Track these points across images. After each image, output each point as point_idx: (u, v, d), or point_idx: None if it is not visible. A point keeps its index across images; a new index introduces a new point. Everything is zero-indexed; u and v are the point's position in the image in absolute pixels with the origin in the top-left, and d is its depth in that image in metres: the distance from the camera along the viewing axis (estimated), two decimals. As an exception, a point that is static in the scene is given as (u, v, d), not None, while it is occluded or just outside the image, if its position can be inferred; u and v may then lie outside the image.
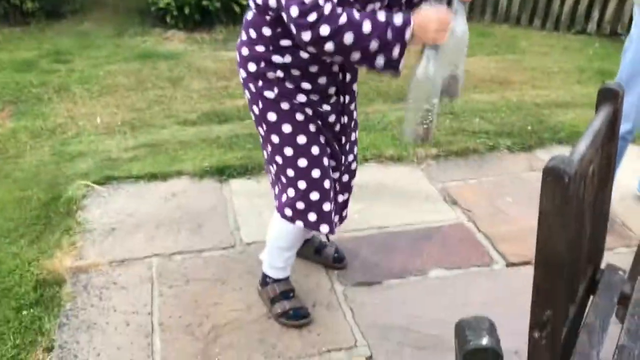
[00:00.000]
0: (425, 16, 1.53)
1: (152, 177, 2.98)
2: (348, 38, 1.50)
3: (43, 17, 5.76)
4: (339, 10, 1.51)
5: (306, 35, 1.51)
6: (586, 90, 4.23)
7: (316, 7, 1.48)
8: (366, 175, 2.98)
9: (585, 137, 1.26)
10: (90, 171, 3.04)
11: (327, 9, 1.49)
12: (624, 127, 2.20)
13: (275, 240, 2.04)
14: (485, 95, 4.11)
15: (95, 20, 5.99)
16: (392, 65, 1.56)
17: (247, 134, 3.49)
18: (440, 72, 1.62)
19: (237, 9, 5.47)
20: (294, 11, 1.50)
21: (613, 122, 1.45)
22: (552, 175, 1.08)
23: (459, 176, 3.08)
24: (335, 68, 1.79)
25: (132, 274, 2.32)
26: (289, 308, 2.07)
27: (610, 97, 1.43)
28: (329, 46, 1.51)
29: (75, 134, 3.58)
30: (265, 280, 2.14)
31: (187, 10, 5.41)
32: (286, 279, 2.13)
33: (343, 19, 1.49)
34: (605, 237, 1.69)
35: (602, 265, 1.69)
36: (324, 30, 1.49)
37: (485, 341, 1.07)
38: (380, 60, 1.55)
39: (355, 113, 2.00)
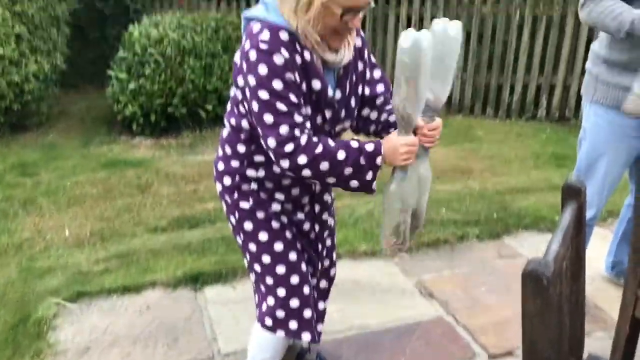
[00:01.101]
0: (393, 141, 1.65)
1: (125, 290, 2.93)
2: (324, 166, 1.60)
3: (8, 131, 5.77)
4: (315, 139, 1.60)
5: (284, 163, 1.61)
6: (543, 175, 4.42)
7: (292, 138, 1.57)
8: (341, 272, 2.96)
9: (556, 236, 1.33)
10: (60, 287, 2.97)
11: (304, 139, 1.59)
12: (587, 213, 2.30)
13: (258, 352, 2.01)
14: (449, 185, 4.25)
15: (62, 131, 6.04)
16: (366, 187, 1.67)
17: (219, 238, 3.49)
18: (410, 195, 1.71)
19: (203, 114, 5.61)
20: (272, 142, 1.59)
21: (579, 217, 1.53)
22: (531, 279, 1.12)
23: (432, 268, 3.12)
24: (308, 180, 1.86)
25: (108, 396, 2.22)
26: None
27: (574, 193, 1.51)
28: (306, 172, 1.61)
29: (44, 248, 3.52)
30: (248, 392, 2.08)
31: (153, 118, 5.52)
32: (270, 390, 2.08)
33: (319, 149, 1.59)
34: (584, 327, 1.73)
35: (585, 355, 1.71)
36: (301, 159, 1.59)
37: None
38: (354, 183, 1.66)
39: (330, 220, 2.04)
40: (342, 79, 1.75)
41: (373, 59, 1.91)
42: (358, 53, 1.80)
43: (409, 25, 6.56)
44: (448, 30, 1.61)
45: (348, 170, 1.63)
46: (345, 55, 1.71)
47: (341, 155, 1.61)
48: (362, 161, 1.62)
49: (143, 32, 5.58)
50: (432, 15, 6.42)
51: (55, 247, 3.51)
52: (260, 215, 1.84)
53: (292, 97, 1.58)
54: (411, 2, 6.57)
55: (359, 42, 1.81)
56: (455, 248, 3.34)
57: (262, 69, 1.56)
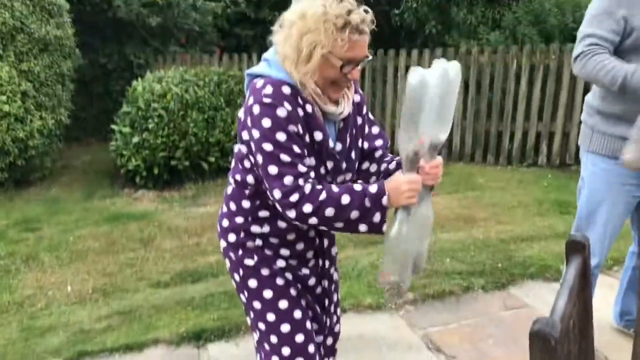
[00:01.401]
0: (397, 181, 1.64)
1: (127, 348, 2.88)
2: (329, 212, 1.60)
3: (12, 186, 5.82)
4: (319, 187, 1.61)
5: (291, 214, 1.61)
6: (547, 222, 4.41)
7: (297, 188, 1.59)
8: (346, 327, 2.92)
9: (562, 293, 1.32)
10: (62, 347, 2.93)
11: (308, 188, 1.60)
12: (591, 262, 2.28)
13: (262, 414, 1.96)
14: (453, 234, 4.23)
15: (64, 185, 6.08)
16: (375, 229, 1.64)
17: (222, 292, 3.46)
18: (412, 236, 1.69)
19: (205, 166, 5.66)
20: (277, 193, 1.60)
21: (584, 271, 1.52)
22: (538, 339, 1.11)
23: (438, 321, 3.07)
24: (312, 234, 1.86)
25: None
26: None
27: (577, 248, 1.51)
28: (313, 220, 1.61)
29: (45, 305, 3.49)
30: None
31: (156, 171, 5.56)
32: None
33: (323, 196, 1.60)
34: (595, 384, 1.69)
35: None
36: (307, 208, 1.59)
37: None
38: (363, 227, 1.63)
39: (336, 275, 2.03)
40: (343, 131, 1.78)
41: (371, 116, 1.95)
42: (357, 108, 1.84)
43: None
44: (448, 71, 1.65)
45: (354, 214, 1.61)
46: (345, 108, 1.75)
47: (345, 199, 1.61)
48: (368, 203, 1.61)
49: (147, 87, 5.69)
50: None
51: (57, 304, 3.48)
52: (264, 272, 1.83)
53: (296, 148, 1.61)
54: (409, 53, 6.70)
55: (357, 98, 1.85)
56: (461, 299, 3.30)
57: (266, 122, 1.59)
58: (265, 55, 1.75)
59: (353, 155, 1.81)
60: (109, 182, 6.06)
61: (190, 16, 7.83)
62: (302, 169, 1.61)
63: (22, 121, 5.59)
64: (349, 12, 1.56)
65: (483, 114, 6.41)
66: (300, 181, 1.59)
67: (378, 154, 1.91)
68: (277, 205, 1.63)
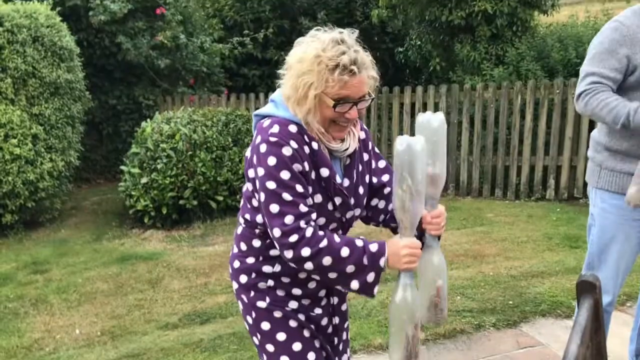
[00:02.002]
0: (396, 245, 1.64)
1: (136, 392, 2.86)
2: (326, 260, 1.61)
3: (21, 228, 5.85)
4: (321, 233, 1.63)
5: (288, 254, 1.62)
6: (557, 257, 4.37)
7: (297, 229, 1.60)
8: (357, 368, 2.91)
9: (574, 337, 1.30)
10: (69, 392, 2.91)
11: (309, 232, 1.61)
12: (604, 299, 2.26)
13: None
14: (462, 271, 4.20)
15: (74, 226, 6.11)
16: (367, 289, 1.65)
17: (231, 334, 3.44)
18: (420, 300, 1.68)
19: (213, 204, 5.68)
20: (277, 232, 1.62)
21: (596, 313, 1.50)
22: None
23: (450, 361, 3.03)
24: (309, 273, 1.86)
25: None
26: None
27: (588, 289, 1.49)
28: (309, 265, 1.62)
29: (53, 349, 3.47)
30: None
31: (164, 210, 5.58)
32: None
33: (323, 243, 1.61)
34: None
35: None
36: (305, 251, 1.60)
37: None
38: (355, 284, 1.64)
39: (344, 306, 2.02)
40: (349, 168, 1.80)
41: (377, 150, 1.98)
42: (363, 144, 1.87)
43: (412, 112, 6.73)
44: (431, 122, 1.69)
45: (350, 269, 1.62)
46: (351, 144, 1.77)
47: (345, 252, 1.62)
48: (365, 261, 1.62)
49: (155, 127, 5.76)
50: (434, 102, 6.59)
51: (65, 348, 3.46)
52: (277, 314, 1.82)
53: (299, 188, 1.63)
54: (414, 90, 6.77)
55: (362, 135, 1.88)
56: (473, 338, 3.26)
57: (271, 160, 1.63)
58: (272, 96, 1.80)
59: (361, 190, 1.83)
60: (118, 223, 6.09)
61: (198, 58, 7.97)
62: (303, 209, 1.62)
63: (32, 163, 5.65)
64: (342, 53, 1.60)
65: (489, 149, 6.43)
66: (302, 223, 1.61)
67: (387, 190, 1.92)
68: (276, 244, 1.64)
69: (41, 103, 5.84)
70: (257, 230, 1.80)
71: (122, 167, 5.91)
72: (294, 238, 1.60)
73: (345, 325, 2.02)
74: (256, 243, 1.81)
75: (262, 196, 1.64)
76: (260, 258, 1.81)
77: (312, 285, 1.84)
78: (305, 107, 1.64)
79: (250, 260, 1.83)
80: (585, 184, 5.89)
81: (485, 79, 6.73)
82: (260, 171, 1.64)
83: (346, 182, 1.79)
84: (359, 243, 1.65)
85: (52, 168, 5.82)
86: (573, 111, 5.95)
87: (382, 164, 1.96)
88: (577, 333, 1.32)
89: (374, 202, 1.93)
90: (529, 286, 3.81)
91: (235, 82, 9.21)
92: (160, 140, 5.61)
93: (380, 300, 3.71)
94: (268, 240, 1.78)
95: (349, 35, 1.66)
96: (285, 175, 1.62)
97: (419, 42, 8.18)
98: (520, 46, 6.75)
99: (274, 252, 1.79)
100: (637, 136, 2.31)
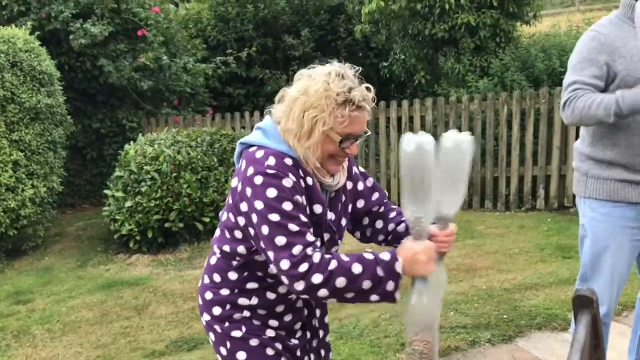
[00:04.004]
0: (412, 249, 1.58)
1: None
2: (340, 282, 1.53)
3: (3, 256, 5.71)
4: (328, 256, 1.55)
5: (299, 286, 1.53)
6: (550, 268, 4.31)
7: (305, 257, 1.53)
8: (350, 392, 2.81)
9: (574, 356, 1.23)
10: None
11: (317, 257, 1.53)
12: (600, 310, 2.19)
13: None
14: (455, 285, 4.12)
15: (58, 253, 5.97)
16: (388, 297, 1.58)
17: (220, 360, 3.33)
18: (433, 304, 1.64)
19: (200, 226, 5.57)
20: (285, 264, 1.53)
21: (595, 328, 1.43)
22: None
23: (446, 380, 2.94)
24: (300, 304, 1.80)
25: None
26: None
27: (585, 304, 1.43)
28: (323, 292, 1.54)
29: (35, 383, 3.35)
30: None
31: (150, 234, 5.47)
32: None
33: (333, 265, 1.53)
34: None
35: None
36: (317, 279, 1.52)
37: None
38: (374, 297, 1.57)
39: (326, 344, 1.93)
40: (334, 200, 1.75)
41: (361, 169, 1.92)
42: (347, 172, 1.81)
43: (399, 126, 6.70)
44: (461, 145, 1.63)
45: (367, 284, 1.54)
46: (341, 179, 1.74)
47: (357, 268, 1.54)
48: (380, 272, 1.55)
49: (139, 150, 5.67)
50: (421, 115, 6.57)
51: (48, 381, 3.34)
52: (253, 342, 1.74)
53: (303, 218, 1.57)
54: (400, 104, 6.74)
55: (346, 163, 1.81)
56: (468, 355, 3.17)
57: (271, 192, 1.55)
58: (260, 124, 1.73)
59: (343, 222, 1.79)
60: (103, 248, 5.96)
61: (181, 78, 7.91)
62: (310, 238, 1.56)
63: (13, 191, 5.53)
64: (350, 89, 1.57)
65: (478, 160, 6.39)
66: (309, 250, 1.54)
67: (382, 209, 1.88)
68: (284, 278, 1.55)
69: (21, 129, 5.73)
70: (234, 263, 1.72)
71: (106, 191, 5.80)
72: (304, 267, 1.52)
73: (330, 356, 1.95)
74: (232, 275, 1.74)
75: (265, 229, 1.55)
76: (236, 290, 1.74)
77: (287, 318, 1.78)
78: (308, 142, 1.59)
79: (225, 292, 1.75)
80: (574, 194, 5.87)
81: (470, 91, 6.71)
82: (259, 204, 1.56)
83: (331, 216, 1.73)
84: (369, 256, 1.58)
85: (34, 194, 5.70)
86: (560, 120, 5.93)
87: (369, 182, 1.90)
88: (576, 352, 1.25)
89: (366, 221, 1.89)
90: (523, 299, 3.74)
91: (220, 101, 9.15)
92: (144, 162, 5.51)
93: (373, 319, 3.62)
94: (245, 273, 1.71)
95: (350, 68, 1.62)
96: (287, 206, 1.55)
97: (403, 57, 8.18)
98: (504, 57, 6.76)
99: (251, 285, 1.72)
100: (619, 146, 2.30)
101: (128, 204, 5.43)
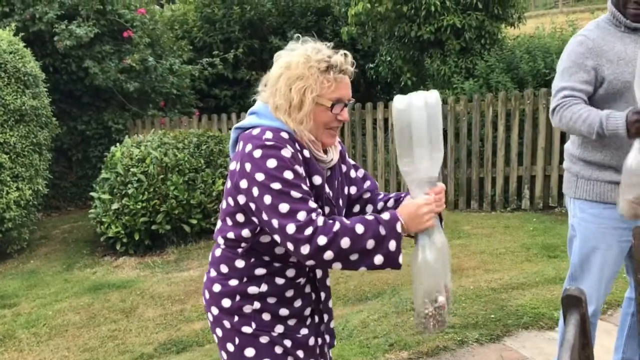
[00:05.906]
0: (413, 205, 1.63)
1: None
2: (345, 242, 1.55)
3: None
4: (330, 220, 1.58)
5: (305, 249, 1.55)
6: (536, 267, 4.35)
7: (311, 221, 1.55)
8: (340, 393, 2.82)
9: (564, 355, 1.25)
10: None
11: (320, 221, 1.56)
12: (588, 310, 2.22)
13: None
14: (443, 285, 4.14)
15: (43, 256, 5.92)
16: (392, 261, 1.60)
17: (209, 362, 3.32)
18: (439, 260, 1.64)
19: (187, 228, 5.56)
20: (291, 228, 1.55)
21: (583, 327, 1.45)
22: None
23: (435, 379, 2.96)
24: (308, 289, 1.81)
25: None
26: None
27: (574, 303, 1.45)
28: (328, 254, 1.55)
29: (22, 387, 3.32)
30: None
31: (137, 236, 5.44)
32: None
33: (337, 226, 1.56)
34: None
35: None
36: (322, 240, 1.54)
37: None
38: (378, 259, 1.59)
39: (332, 324, 1.95)
40: (330, 179, 1.78)
41: (353, 161, 1.97)
42: (340, 156, 1.85)
43: (385, 127, 6.72)
44: (428, 100, 1.65)
45: (370, 244, 1.57)
46: (334, 156, 1.77)
47: (359, 228, 1.57)
48: (382, 231, 1.58)
49: (125, 152, 5.64)
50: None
51: (35, 386, 3.31)
52: (263, 340, 1.74)
53: (304, 186, 1.60)
54: (387, 105, 6.77)
55: (339, 147, 1.86)
56: (456, 354, 3.20)
57: (271, 163, 1.58)
58: (252, 109, 1.76)
59: (341, 202, 1.82)
60: (90, 251, 5.92)
61: (167, 80, 7.87)
62: (312, 204, 1.59)
63: (-3, 193, 5.48)
64: (329, 56, 1.66)
65: (463, 161, 6.44)
66: (313, 215, 1.57)
67: (368, 195, 1.92)
68: (290, 245, 1.57)
69: (5, 131, 5.68)
70: (240, 250, 1.72)
71: (92, 194, 5.76)
72: (309, 231, 1.54)
73: (332, 342, 1.96)
74: (239, 263, 1.74)
75: (268, 199, 1.57)
76: (245, 279, 1.74)
77: (298, 303, 1.78)
78: (299, 114, 1.63)
79: (234, 282, 1.75)
80: (560, 193, 5.94)
81: (456, 92, 6.76)
82: (260, 176, 1.58)
83: (329, 192, 1.76)
84: (370, 217, 1.62)
85: (19, 197, 5.64)
86: (545, 121, 6.00)
87: (360, 173, 1.96)
88: (566, 351, 1.27)
89: (357, 209, 1.92)
90: (510, 299, 3.77)
91: (207, 103, 9.12)
92: (131, 164, 5.49)
93: (361, 319, 3.64)
94: (253, 259, 1.72)
95: (326, 44, 1.72)
96: (288, 175, 1.58)
97: (389, 58, 8.21)
98: (489, 59, 6.82)
99: (259, 271, 1.73)
100: (609, 148, 2.33)
101: (115, 206, 5.40)
